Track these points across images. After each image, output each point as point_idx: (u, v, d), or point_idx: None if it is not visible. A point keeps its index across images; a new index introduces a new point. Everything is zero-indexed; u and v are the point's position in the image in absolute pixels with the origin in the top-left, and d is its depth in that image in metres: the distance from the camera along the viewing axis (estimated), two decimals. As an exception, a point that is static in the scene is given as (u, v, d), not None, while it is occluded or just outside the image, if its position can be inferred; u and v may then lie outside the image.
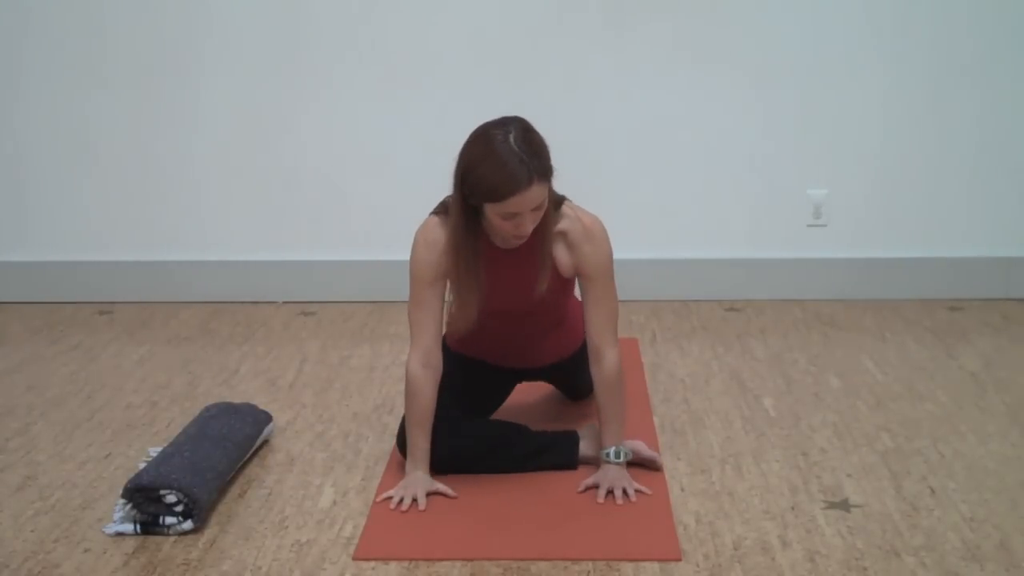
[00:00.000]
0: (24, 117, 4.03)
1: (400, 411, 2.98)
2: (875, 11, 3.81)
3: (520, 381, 2.83)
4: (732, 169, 3.96)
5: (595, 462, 2.56)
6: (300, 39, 3.91)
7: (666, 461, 2.64)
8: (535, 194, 2.24)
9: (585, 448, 2.61)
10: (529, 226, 2.30)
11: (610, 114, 3.87)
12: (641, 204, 3.94)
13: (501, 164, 2.22)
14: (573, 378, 2.84)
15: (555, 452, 2.60)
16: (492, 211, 2.28)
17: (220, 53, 3.93)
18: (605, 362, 2.47)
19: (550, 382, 2.95)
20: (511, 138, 2.24)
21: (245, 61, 3.93)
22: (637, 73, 3.88)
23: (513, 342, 2.66)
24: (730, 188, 3.98)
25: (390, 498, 2.43)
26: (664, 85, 3.89)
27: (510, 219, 2.28)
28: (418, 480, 2.46)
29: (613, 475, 2.46)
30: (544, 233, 2.40)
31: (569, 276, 2.48)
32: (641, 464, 2.58)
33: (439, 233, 2.42)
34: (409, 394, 2.49)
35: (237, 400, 2.97)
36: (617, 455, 2.48)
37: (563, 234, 2.42)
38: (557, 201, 2.43)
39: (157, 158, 4.03)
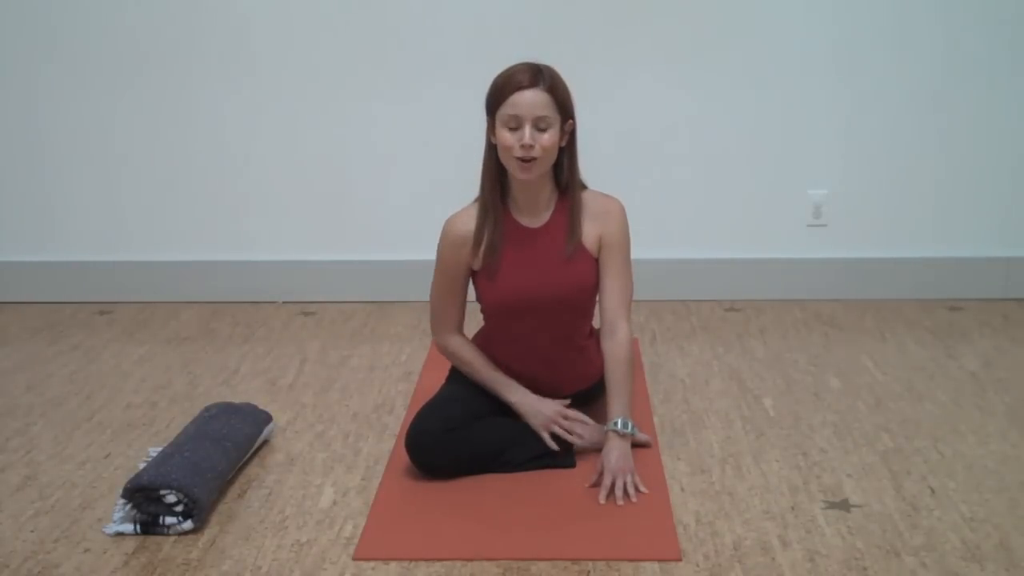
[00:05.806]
0: (24, 119, 4.02)
1: (400, 412, 3.00)
2: (876, 11, 3.81)
3: None
4: (732, 169, 3.96)
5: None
6: (302, 41, 3.91)
7: (666, 461, 2.64)
8: (536, 98, 2.40)
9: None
10: (531, 140, 2.40)
11: (610, 113, 3.86)
12: (641, 204, 3.88)
13: (511, 69, 2.45)
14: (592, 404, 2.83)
15: (555, 452, 2.60)
16: (499, 120, 2.43)
17: (223, 55, 3.92)
18: (618, 336, 2.56)
19: None
20: (535, 63, 2.46)
21: (248, 63, 3.93)
22: (637, 73, 3.87)
23: (539, 358, 2.66)
24: (730, 188, 3.98)
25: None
26: (664, 84, 3.89)
27: (514, 130, 2.41)
28: (546, 406, 2.61)
29: (617, 462, 2.46)
30: (573, 200, 2.55)
31: (592, 251, 2.58)
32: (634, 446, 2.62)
33: (464, 217, 2.57)
34: (463, 360, 2.67)
35: (237, 400, 2.97)
36: (625, 425, 2.51)
37: (586, 206, 2.59)
38: (582, 185, 2.61)
39: (157, 159, 4.03)
